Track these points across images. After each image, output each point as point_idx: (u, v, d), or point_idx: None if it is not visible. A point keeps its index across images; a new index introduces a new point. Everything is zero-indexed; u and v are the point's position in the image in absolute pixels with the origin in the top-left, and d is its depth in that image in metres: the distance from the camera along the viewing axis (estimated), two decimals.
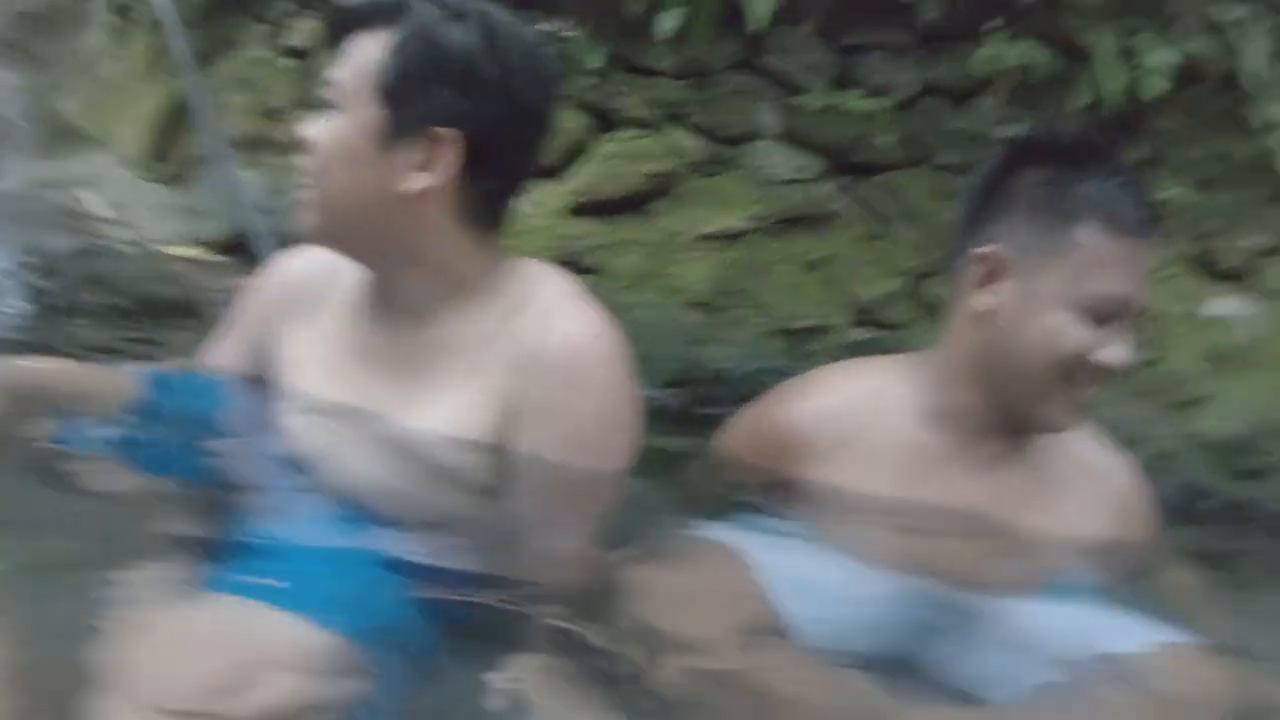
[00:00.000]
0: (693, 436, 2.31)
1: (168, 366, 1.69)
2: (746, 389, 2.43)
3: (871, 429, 1.62)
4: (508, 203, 1.47)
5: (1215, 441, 2.88)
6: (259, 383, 1.57)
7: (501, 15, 1.40)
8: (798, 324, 2.52)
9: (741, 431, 1.77)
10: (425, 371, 1.43)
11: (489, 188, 1.42)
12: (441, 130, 1.35)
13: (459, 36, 1.35)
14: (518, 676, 1.09)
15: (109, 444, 1.43)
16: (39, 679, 0.98)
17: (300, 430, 1.49)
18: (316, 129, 1.39)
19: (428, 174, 1.36)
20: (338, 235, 1.43)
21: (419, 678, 1.08)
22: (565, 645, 1.16)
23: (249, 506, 1.37)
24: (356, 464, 1.43)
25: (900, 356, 1.77)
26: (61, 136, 3.71)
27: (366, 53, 1.37)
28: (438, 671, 1.11)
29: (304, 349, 1.54)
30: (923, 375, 1.65)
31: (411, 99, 1.35)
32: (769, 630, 1.24)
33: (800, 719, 1.11)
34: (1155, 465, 1.87)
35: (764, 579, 1.32)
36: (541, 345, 1.38)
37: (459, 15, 1.37)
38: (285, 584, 1.07)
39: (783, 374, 2.42)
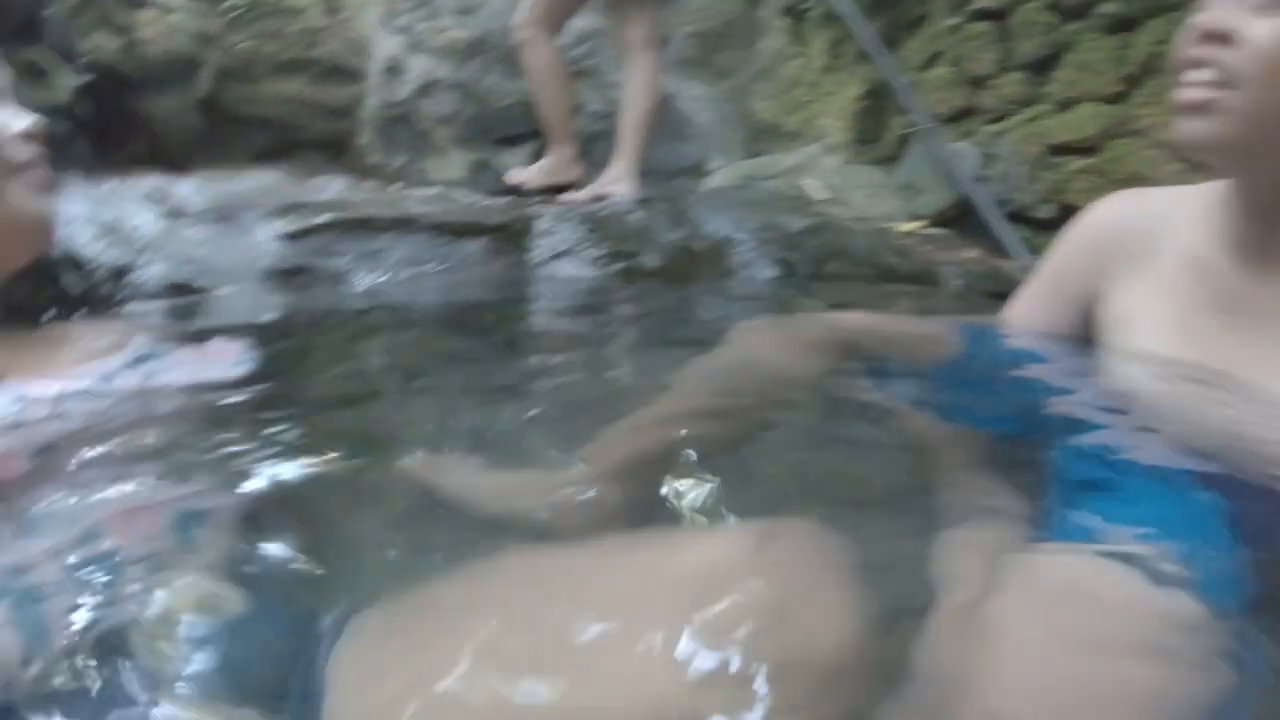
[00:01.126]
0: None
1: (979, 321, 1.55)
2: None
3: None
4: None
5: None
6: (1076, 340, 1.39)
7: None
8: None
9: None
10: None
11: None
12: None
13: None
14: None
15: (921, 394, 1.34)
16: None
17: (1138, 388, 1.25)
18: (1261, 25, 1.12)
19: None
20: (1249, 154, 1.16)
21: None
22: None
23: (1077, 462, 1.13)
24: (1210, 428, 1.16)
25: None
26: (761, 136, 3.80)
27: None
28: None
29: (1136, 303, 1.32)
30: None
31: None
32: None
33: None
34: None
35: None
36: None
37: None
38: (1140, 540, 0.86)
39: None
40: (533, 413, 1.29)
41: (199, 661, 0.70)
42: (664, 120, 3.52)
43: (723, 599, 0.68)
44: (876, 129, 3.50)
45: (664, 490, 0.96)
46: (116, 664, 0.69)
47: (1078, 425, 1.25)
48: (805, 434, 1.23)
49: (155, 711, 0.66)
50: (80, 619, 0.72)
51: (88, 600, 0.74)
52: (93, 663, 0.69)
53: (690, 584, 0.71)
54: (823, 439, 1.21)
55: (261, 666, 0.72)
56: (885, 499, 1.07)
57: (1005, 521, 0.98)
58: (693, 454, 1.04)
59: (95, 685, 0.67)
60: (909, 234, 2.79)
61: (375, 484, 1.03)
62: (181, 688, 0.68)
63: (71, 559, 0.78)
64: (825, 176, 3.21)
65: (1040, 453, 1.16)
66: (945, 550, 0.91)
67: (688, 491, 0.95)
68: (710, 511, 0.93)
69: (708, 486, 0.97)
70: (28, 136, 1.27)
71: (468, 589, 0.80)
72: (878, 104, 3.49)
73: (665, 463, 1.04)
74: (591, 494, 1.00)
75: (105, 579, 0.76)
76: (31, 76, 3.01)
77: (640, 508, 0.98)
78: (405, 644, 0.73)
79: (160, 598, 0.74)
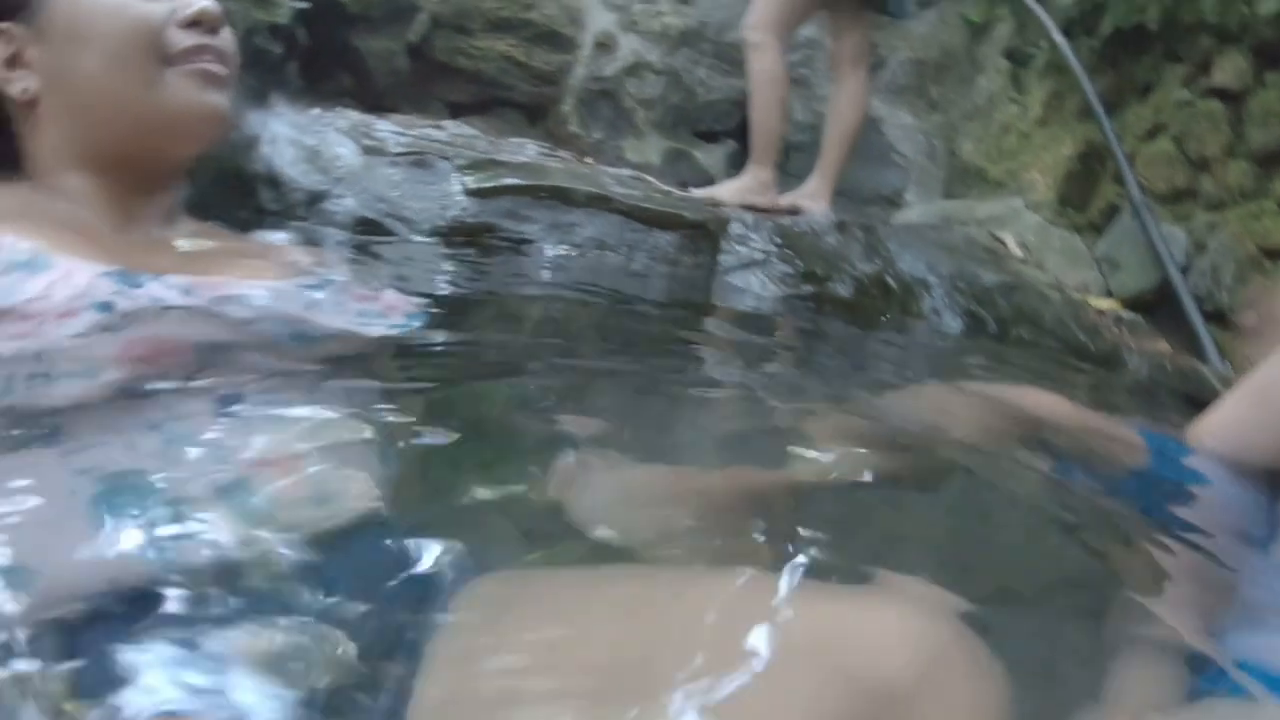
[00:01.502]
0: None
1: (1167, 432, 1.43)
2: None
3: None
4: None
5: None
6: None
7: None
8: None
9: None
10: None
11: None
12: None
13: None
14: None
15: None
16: None
17: None
18: None
19: None
20: None
21: None
22: None
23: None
24: None
25: None
26: (962, 177, 3.69)
27: None
28: None
29: None
30: None
31: None
32: None
33: None
34: None
35: None
36: None
37: None
38: None
39: None
40: (694, 432, 1.25)
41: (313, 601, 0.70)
42: (867, 143, 3.45)
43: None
44: (1085, 193, 3.37)
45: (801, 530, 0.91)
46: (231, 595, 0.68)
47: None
48: (966, 504, 1.16)
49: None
50: (207, 549, 0.71)
51: (217, 529, 0.73)
52: (213, 591, 0.68)
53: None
54: (977, 514, 1.14)
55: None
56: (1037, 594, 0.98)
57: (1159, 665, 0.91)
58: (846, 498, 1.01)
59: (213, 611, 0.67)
60: (1101, 312, 2.67)
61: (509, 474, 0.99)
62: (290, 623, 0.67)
63: (208, 484, 0.77)
64: (1023, 233, 3.10)
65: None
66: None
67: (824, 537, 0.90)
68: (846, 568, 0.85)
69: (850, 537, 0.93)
70: (192, 24, 1.14)
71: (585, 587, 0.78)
72: (1090, 168, 3.36)
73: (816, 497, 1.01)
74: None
75: (237, 513, 0.76)
76: None
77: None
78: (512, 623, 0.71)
79: (278, 536, 0.74)
